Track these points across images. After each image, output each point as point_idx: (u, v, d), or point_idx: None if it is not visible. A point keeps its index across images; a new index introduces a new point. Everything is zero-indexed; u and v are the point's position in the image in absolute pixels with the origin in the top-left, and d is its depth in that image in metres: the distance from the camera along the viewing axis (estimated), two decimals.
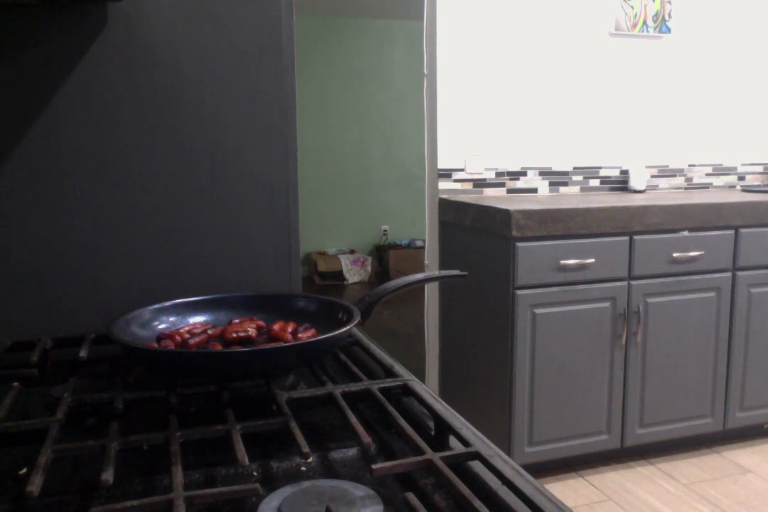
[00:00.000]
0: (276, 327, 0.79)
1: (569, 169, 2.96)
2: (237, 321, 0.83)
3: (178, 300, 0.86)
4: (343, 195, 6.29)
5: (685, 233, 2.46)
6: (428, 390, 0.71)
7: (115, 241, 0.94)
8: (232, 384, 0.71)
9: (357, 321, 0.77)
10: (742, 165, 3.28)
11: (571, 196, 2.80)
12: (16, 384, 0.71)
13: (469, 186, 2.80)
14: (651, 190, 3.10)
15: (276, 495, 0.52)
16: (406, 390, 0.70)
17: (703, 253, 2.48)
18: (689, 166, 3.18)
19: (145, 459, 0.60)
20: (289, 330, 0.79)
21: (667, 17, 2.98)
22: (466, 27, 2.72)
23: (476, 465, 0.56)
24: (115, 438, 0.57)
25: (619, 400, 2.46)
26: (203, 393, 0.70)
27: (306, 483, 0.54)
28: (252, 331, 0.79)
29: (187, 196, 0.97)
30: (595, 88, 2.95)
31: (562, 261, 2.29)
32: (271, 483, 0.56)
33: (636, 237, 2.39)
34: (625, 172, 3.05)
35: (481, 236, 2.43)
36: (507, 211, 2.23)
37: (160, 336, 0.78)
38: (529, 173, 2.90)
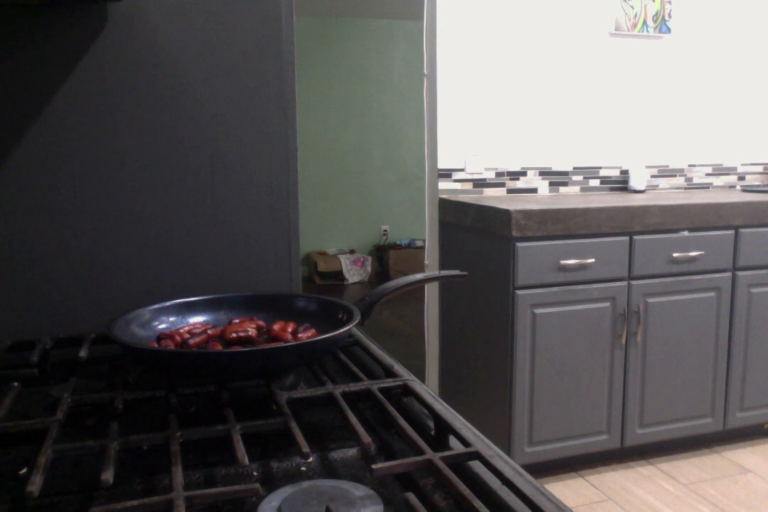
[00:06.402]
0: (276, 327, 0.79)
1: (569, 169, 2.96)
2: (237, 321, 0.83)
3: (178, 300, 0.86)
4: (343, 195, 6.29)
5: (685, 233, 2.46)
6: (428, 390, 0.71)
7: (115, 240, 0.94)
8: (232, 384, 0.71)
9: (357, 321, 0.77)
10: (742, 165, 3.28)
11: (571, 196, 2.80)
12: (16, 384, 0.70)
13: (469, 186, 2.80)
14: (651, 190, 3.10)
15: (276, 495, 0.52)
16: (406, 390, 0.70)
17: (703, 252, 2.48)
18: (689, 166, 3.18)
19: (145, 459, 0.60)
20: (289, 330, 0.79)
21: (667, 17, 2.98)
22: (466, 27, 2.72)
23: (476, 465, 0.56)
24: (115, 438, 0.57)
25: (619, 400, 2.46)
26: (203, 393, 0.70)
27: (306, 483, 0.54)
28: (252, 331, 0.79)
29: (187, 195, 0.97)
30: (595, 88, 2.95)
31: (562, 261, 2.29)
32: (271, 483, 0.56)
33: (636, 237, 2.39)
34: (625, 172, 3.05)
35: (481, 236, 2.43)
36: (507, 211, 2.23)
37: (160, 336, 0.78)
38: (529, 173, 2.90)
